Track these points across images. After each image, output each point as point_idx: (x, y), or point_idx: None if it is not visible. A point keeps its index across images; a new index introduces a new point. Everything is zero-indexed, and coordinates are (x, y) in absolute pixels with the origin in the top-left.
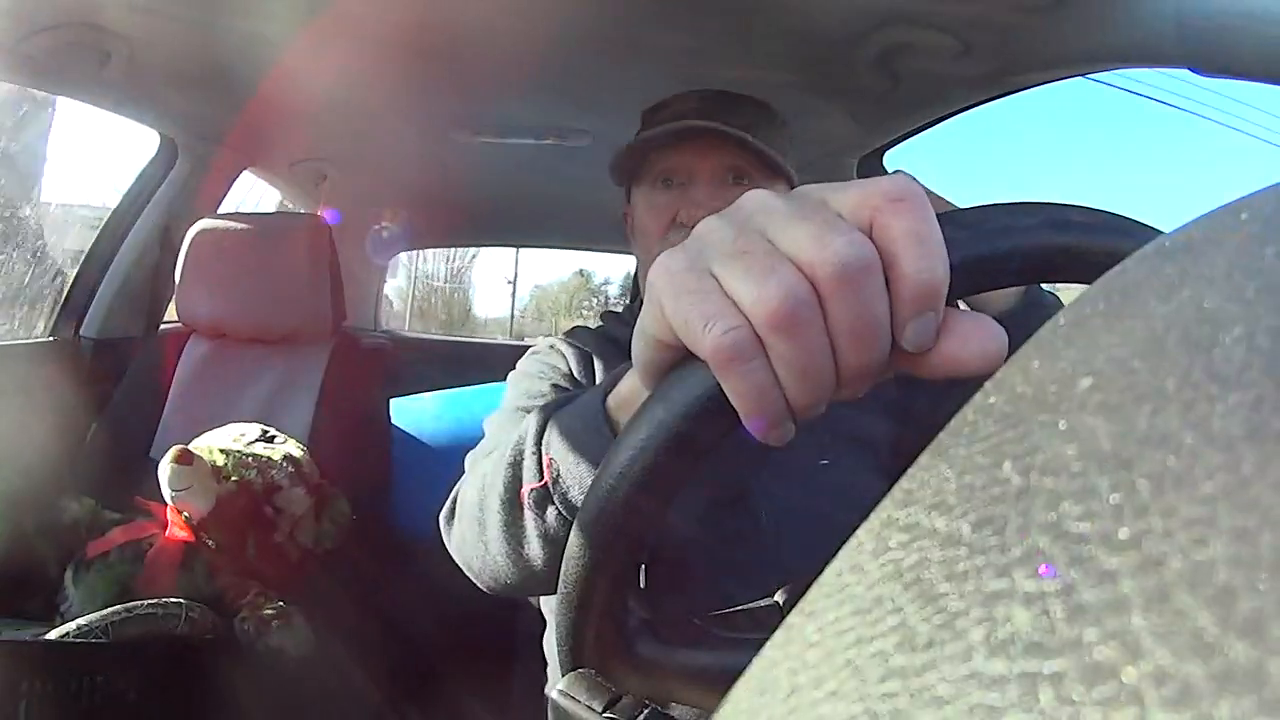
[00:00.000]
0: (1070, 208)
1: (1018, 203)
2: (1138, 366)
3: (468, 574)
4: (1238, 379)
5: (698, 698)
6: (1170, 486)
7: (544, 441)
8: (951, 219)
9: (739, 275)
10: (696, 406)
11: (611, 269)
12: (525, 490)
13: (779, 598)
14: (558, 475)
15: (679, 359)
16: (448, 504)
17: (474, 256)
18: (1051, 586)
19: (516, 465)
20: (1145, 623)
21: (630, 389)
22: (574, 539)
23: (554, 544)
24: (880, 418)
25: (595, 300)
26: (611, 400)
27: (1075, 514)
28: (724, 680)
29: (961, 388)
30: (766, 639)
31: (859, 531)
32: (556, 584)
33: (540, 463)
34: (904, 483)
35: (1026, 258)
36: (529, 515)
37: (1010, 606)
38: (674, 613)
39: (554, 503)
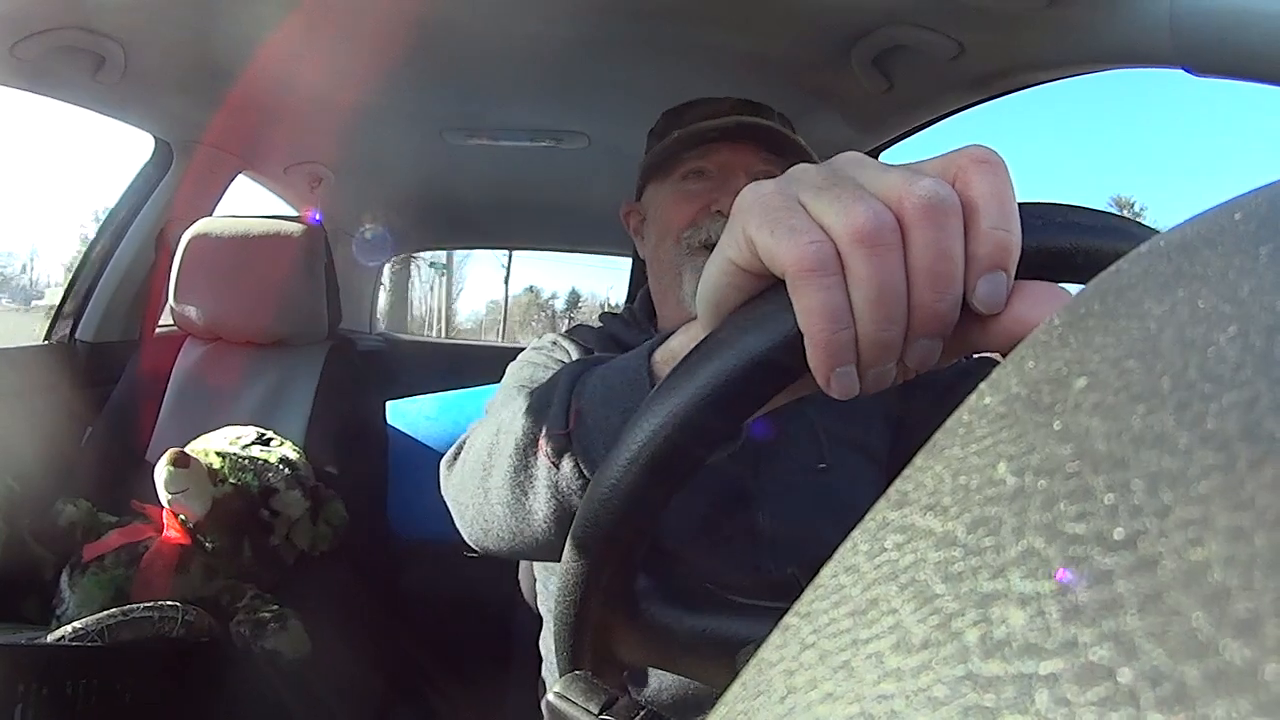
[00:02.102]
0: (1130, 220)
1: (1081, 206)
2: (1132, 366)
3: (458, 523)
4: (1232, 378)
5: (699, 666)
6: (1165, 486)
7: (576, 389)
8: (1023, 208)
9: (827, 201)
10: (772, 343)
11: (558, 284)
12: (544, 437)
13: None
14: (584, 423)
15: (749, 294)
16: (452, 449)
17: (461, 291)
18: (1049, 588)
19: (540, 412)
20: (1140, 623)
21: (681, 344)
22: (613, 465)
23: (559, 498)
24: (879, 425)
25: (543, 314)
26: (659, 354)
27: (1070, 515)
28: (728, 648)
29: (959, 394)
30: (772, 607)
31: (854, 533)
32: (545, 548)
33: (568, 410)
34: (899, 484)
35: (1090, 256)
36: (543, 462)
37: (1005, 607)
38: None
39: (573, 452)
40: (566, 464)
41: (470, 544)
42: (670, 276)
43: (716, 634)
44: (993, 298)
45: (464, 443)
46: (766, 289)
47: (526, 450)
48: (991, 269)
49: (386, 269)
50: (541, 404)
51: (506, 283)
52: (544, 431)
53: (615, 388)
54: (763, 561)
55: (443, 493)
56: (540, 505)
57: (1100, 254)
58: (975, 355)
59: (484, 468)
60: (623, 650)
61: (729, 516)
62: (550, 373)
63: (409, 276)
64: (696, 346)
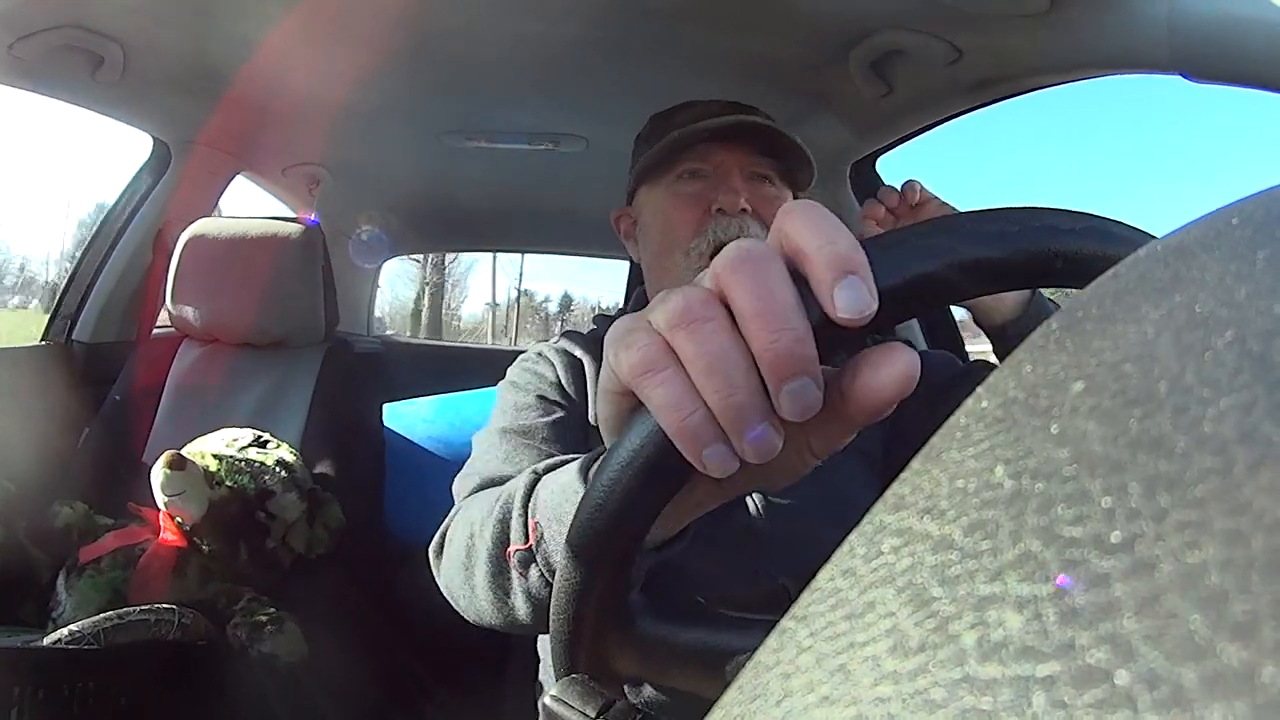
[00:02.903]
0: (1112, 220)
1: (1059, 208)
2: (1129, 370)
3: (453, 605)
4: (1229, 383)
5: (693, 679)
6: (1162, 490)
7: (530, 506)
8: (1001, 214)
9: (657, 309)
10: (648, 450)
11: (550, 288)
12: (511, 550)
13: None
14: (541, 538)
15: (631, 409)
16: (436, 538)
17: (465, 298)
18: (1046, 591)
19: (504, 524)
20: (1137, 626)
21: None
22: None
23: (534, 602)
24: (873, 427)
25: (537, 316)
26: (591, 475)
27: (1067, 518)
28: (722, 661)
29: (955, 398)
30: (764, 619)
31: (851, 536)
32: (536, 631)
33: (526, 525)
34: (896, 487)
35: (1070, 260)
36: (514, 573)
37: (1002, 610)
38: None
39: (537, 564)
40: (533, 573)
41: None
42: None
43: (710, 647)
44: (853, 303)
45: (445, 534)
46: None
47: (498, 559)
48: (839, 278)
49: (424, 284)
50: (504, 515)
51: (520, 288)
52: (509, 545)
53: (562, 506)
54: (760, 565)
55: (435, 578)
56: (520, 605)
57: (1081, 257)
58: (974, 359)
59: (465, 567)
60: (617, 663)
61: (723, 521)
62: (534, 394)
63: (444, 294)
64: (599, 465)
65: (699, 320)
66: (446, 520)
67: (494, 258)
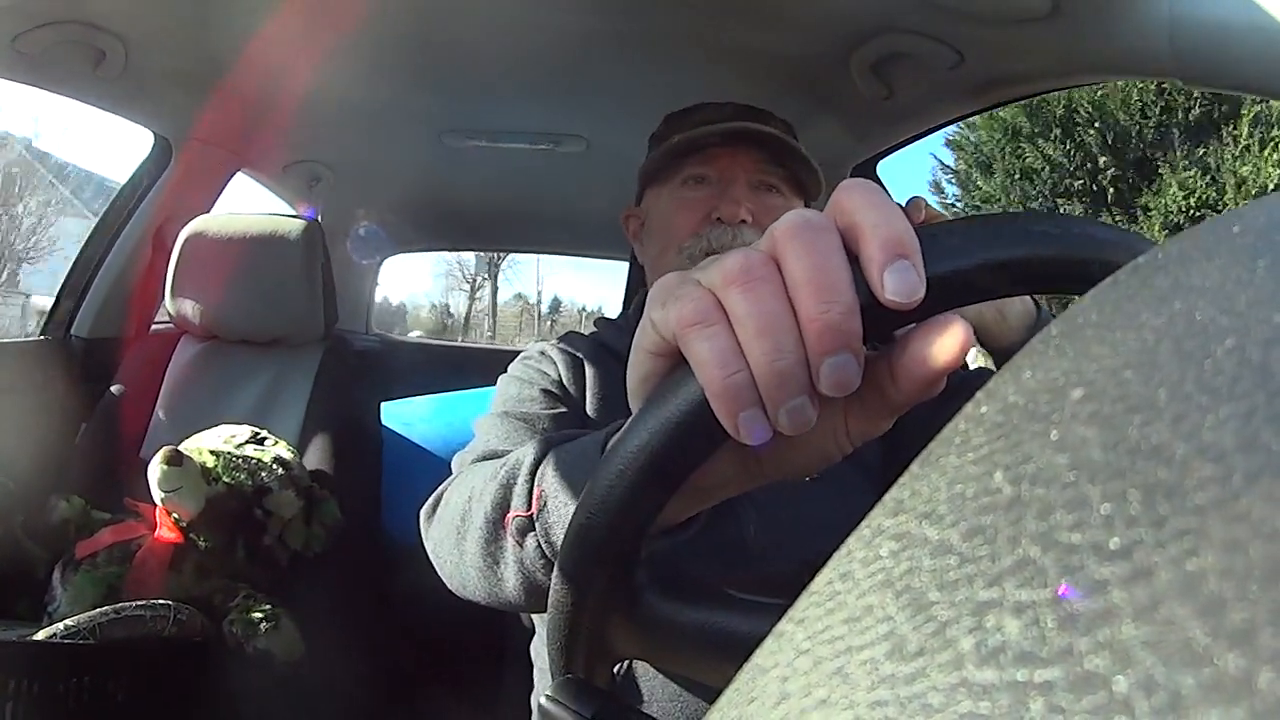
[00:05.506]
0: (1137, 235)
1: (1091, 219)
2: (1129, 377)
3: (438, 572)
4: (1229, 391)
5: (697, 662)
6: (1161, 497)
7: (539, 472)
8: (1042, 219)
9: (709, 266)
10: (683, 409)
11: (543, 291)
12: (510, 515)
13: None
14: (545, 506)
15: (668, 370)
16: (431, 500)
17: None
18: (1045, 596)
19: (507, 488)
20: (1136, 632)
21: None
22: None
23: (526, 573)
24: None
25: (529, 318)
26: (614, 440)
27: (1066, 524)
28: (729, 643)
29: (954, 405)
30: (776, 603)
31: (849, 539)
32: (520, 608)
33: (531, 492)
34: (895, 491)
35: (1105, 267)
36: (509, 540)
37: (1001, 615)
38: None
39: (535, 533)
40: (530, 543)
41: (451, 590)
42: None
43: (718, 628)
44: (903, 286)
45: (441, 496)
46: (676, 363)
47: (495, 523)
48: (891, 260)
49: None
50: (508, 480)
51: (539, 291)
52: (509, 511)
53: (574, 476)
54: (751, 572)
55: (423, 540)
56: (510, 575)
57: (1116, 267)
58: (971, 368)
59: (458, 531)
60: (619, 643)
61: (716, 528)
62: (537, 388)
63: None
64: (626, 426)
65: (758, 280)
66: (444, 484)
67: (537, 261)
